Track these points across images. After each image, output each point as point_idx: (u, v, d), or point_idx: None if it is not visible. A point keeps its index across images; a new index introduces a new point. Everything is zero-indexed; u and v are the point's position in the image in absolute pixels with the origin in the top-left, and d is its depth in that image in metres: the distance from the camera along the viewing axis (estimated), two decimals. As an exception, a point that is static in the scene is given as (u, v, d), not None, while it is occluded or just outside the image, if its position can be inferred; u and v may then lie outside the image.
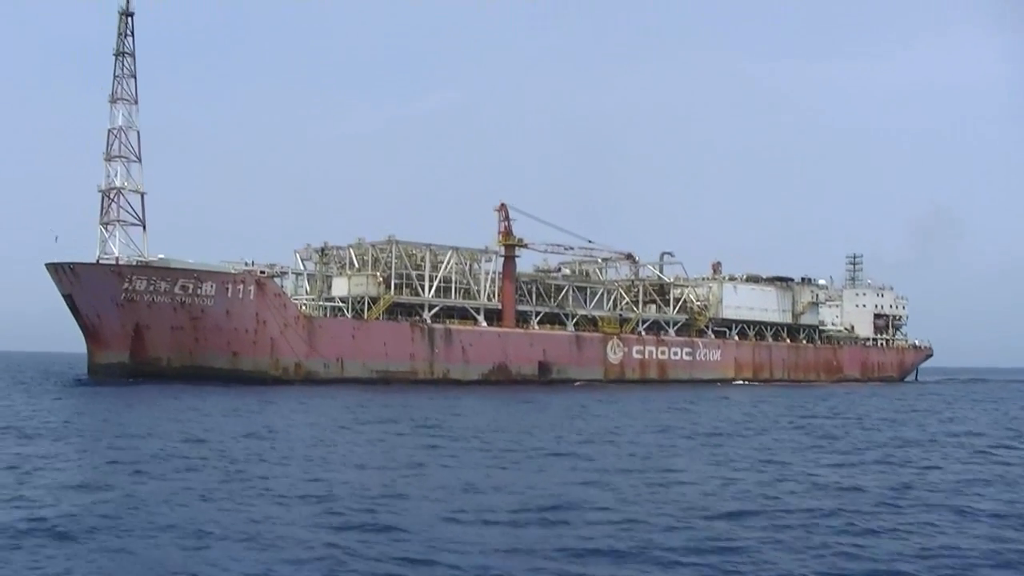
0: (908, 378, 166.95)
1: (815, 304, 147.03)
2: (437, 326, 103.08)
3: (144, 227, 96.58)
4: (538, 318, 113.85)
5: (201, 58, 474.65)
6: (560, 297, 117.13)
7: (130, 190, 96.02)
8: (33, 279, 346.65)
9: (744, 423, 57.31)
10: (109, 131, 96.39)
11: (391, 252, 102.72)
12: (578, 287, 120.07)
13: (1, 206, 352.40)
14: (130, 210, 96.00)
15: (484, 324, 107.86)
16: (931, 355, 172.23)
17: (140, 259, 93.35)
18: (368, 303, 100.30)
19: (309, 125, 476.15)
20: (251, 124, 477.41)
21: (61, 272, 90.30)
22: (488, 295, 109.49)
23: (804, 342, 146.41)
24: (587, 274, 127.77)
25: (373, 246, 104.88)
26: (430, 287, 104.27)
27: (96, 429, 44.13)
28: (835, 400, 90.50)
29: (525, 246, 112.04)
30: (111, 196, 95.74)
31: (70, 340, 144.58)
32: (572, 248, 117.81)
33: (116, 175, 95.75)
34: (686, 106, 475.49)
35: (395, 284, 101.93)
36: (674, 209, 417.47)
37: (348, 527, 22.70)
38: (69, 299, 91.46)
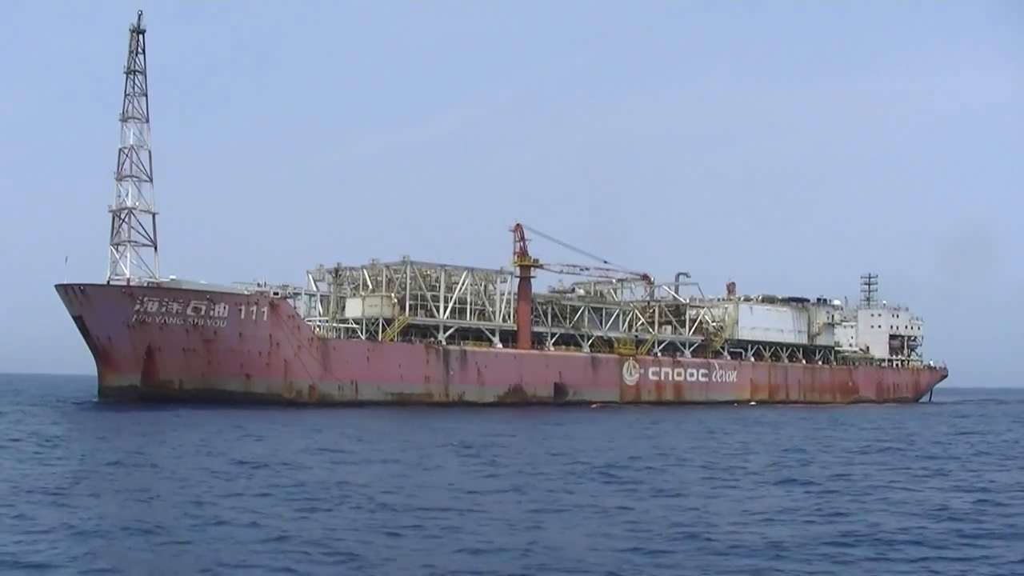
0: (923, 399, 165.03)
1: (831, 325, 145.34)
2: (452, 348, 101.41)
3: (155, 248, 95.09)
4: (553, 339, 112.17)
5: (206, 81, 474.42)
6: (576, 318, 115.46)
7: (141, 210, 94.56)
8: (43, 301, 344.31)
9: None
10: (120, 150, 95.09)
11: (405, 273, 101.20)
12: (594, 308, 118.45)
13: (10, 227, 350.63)
14: (141, 231, 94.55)
15: (499, 346, 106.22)
16: (946, 375, 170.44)
17: (151, 280, 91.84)
18: (383, 324, 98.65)
19: (318, 147, 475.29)
20: (259, 147, 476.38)
21: (71, 293, 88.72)
22: (503, 316, 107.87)
23: (820, 363, 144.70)
24: (602, 295, 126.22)
25: (387, 267, 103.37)
26: (445, 308, 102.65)
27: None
28: (879, 421, 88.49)
29: (541, 267, 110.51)
30: (122, 216, 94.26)
31: (80, 363, 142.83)
32: (588, 268, 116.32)
33: (127, 195, 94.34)
34: (699, 129, 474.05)
35: (410, 305, 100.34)
36: (687, 230, 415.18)
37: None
38: (79, 320, 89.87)
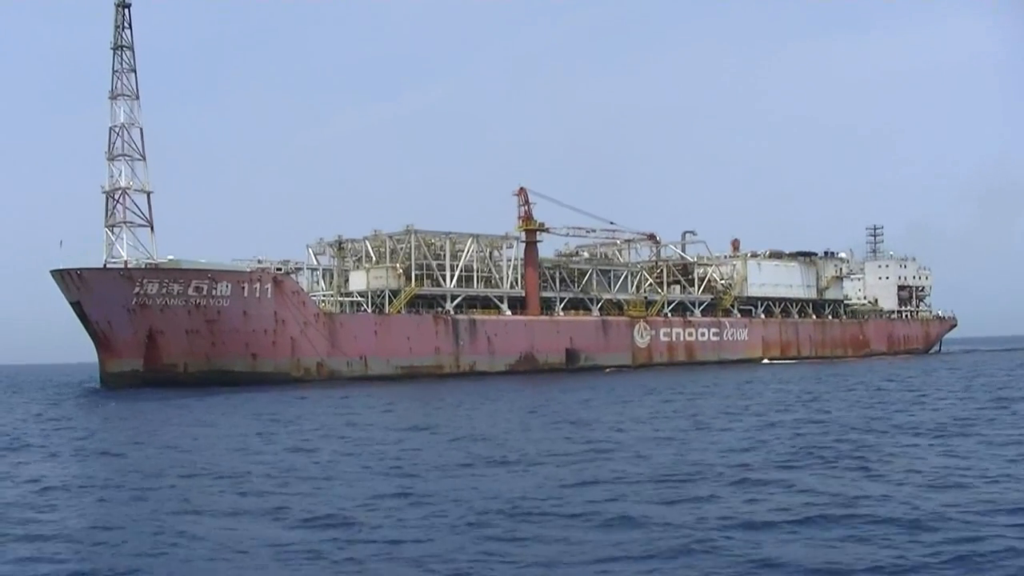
0: (932, 350, 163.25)
1: (839, 278, 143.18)
2: (461, 317, 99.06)
3: (152, 228, 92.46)
4: (562, 304, 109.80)
5: (194, 59, 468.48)
6: (584, 282, 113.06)
7: (136, 189, 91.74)
8: (38, 288, 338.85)
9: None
10: (111, 129, 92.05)
11: (410, 242, 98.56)
12: (601, 270, 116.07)
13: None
14: (136, 211, 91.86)
15: (508, 313, 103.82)
16: (955, 326, 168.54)
17: (149, 261, 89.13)
18: (389, 296, 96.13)
19: (311, 121, 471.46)
20: (250, 123, 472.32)
21: (68, 279, 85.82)
22: (511, 283, 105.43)
23: (830, 317, 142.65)
24: (607, 257, 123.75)
25: (390, 237, 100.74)
26: (451, 277, 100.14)
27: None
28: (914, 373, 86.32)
29: (547, 230, 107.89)
30: (116, 197, 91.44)
31: (79, 350, 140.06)
32: (594, 230, 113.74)
33: (120, 175, 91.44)
34: (694, 90, 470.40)
35: (415, 275, 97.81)
36: (681, 188, 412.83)
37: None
38: (77, 306, 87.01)
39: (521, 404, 57.77)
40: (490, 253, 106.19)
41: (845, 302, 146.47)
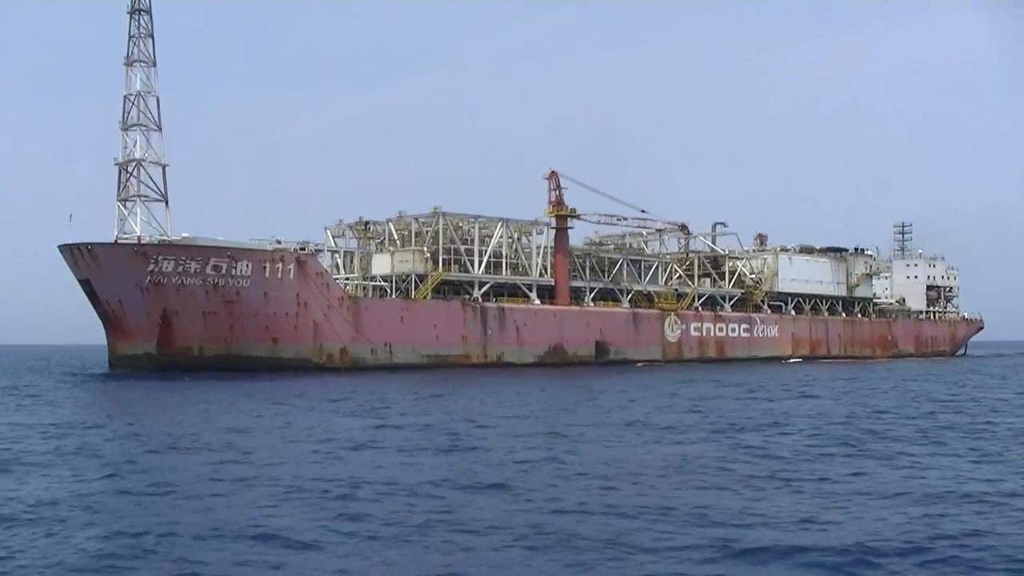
0: (958, 352, 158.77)
1: (869, 275, 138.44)
2: (490, 305, 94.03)
3: (167, 203, 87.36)
4: (592, 294, 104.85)
5: (209, 36, 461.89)
6: (615, 271, 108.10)
7: (150, 162, 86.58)
8: (45, 265, 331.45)
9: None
10: (125, 97, 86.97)
11: (437, 225, 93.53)
12: (632, 260, 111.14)
13: (5, 186, 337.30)
14: (151, 184, 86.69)
15: (537, 302, 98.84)
16: (982, 328, 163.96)
17: (163, 238, 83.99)
18: (415, 281, 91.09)
19: (333, 99, 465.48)
20: (267, 104, 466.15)
21: (77, 255, 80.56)
22: (539, 270, 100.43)
23: (859, 316, 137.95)
24: (633, 247, 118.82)
25: (416, 219, 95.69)
26: (479, 263, 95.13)
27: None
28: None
29: (578, 217, 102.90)
30: (129, 169, 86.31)
31: (87, 331, 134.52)
32: (625, 218, 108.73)
33: (135, 145, 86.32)
34: (720, 81, 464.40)
35: (443, 260, 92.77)
36: (704, 179, 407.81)
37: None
38: (87, 284, 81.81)
39: (679, 404, 48.21)
40: (518, 239, 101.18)
41: (874, 301, 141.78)
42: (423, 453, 28.61)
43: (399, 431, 34.74)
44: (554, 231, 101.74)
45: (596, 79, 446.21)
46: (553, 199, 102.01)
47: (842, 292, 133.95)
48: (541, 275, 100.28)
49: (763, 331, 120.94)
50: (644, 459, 27.41)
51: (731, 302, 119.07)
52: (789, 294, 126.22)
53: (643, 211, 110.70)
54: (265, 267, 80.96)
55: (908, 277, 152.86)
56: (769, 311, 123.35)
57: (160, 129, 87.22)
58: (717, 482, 23.34)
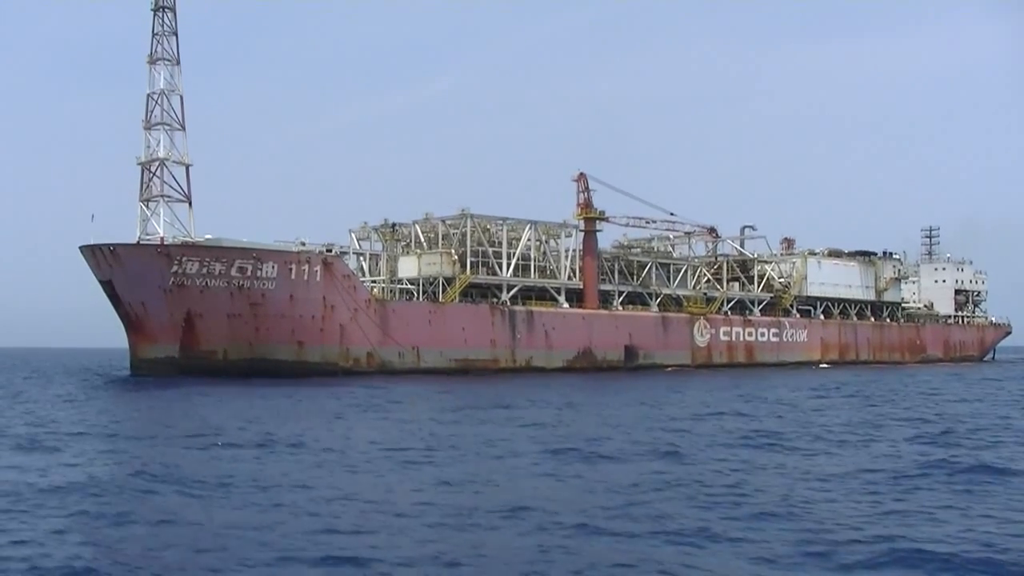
0: (986, 357, 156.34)
1: (897, 280, 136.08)
2: (519, 309, 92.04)
3: (190, 203, 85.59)
4: (620, 298, 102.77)
5: (232, 33, 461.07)
6: (644, 275, 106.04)
7: (174, 161, 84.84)
8: (66, 266, 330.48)
9: None
10: (148, 96, 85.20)
11: (465, 227, 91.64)
12: (660, 264, 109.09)
13: (25, 187, 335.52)
14: (175, 184, 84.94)
15: (566, 305, 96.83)
16: (1010, 332, 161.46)
17: (187, 239, 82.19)
18: (442, 284, 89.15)
19: (353, 99, 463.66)
20: (289, 103, 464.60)
21: (99, 255, 78.79)
22: (568, 274, 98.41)
23: (887, 320, 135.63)
24: (661, 250, 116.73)
25: (443, 221, 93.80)
26: (508, 265, 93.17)
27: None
28: None
29: (607, 220, 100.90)
30: (152, 169, 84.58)
31: (108, 334, 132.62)
32: (655, 221, 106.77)
33: (158, 145, 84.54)
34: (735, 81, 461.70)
35: (471, 262, 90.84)
36: (734, 183, 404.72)
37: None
38: (108, 286, 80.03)
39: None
40: (546, 242, 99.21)
41: (902, 305, 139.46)
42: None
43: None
44: (582, 234, 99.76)
45: (623, 79, 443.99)
46: (582, 201, 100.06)
47: (870, 296, 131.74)
48: (569, 278, 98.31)
49: (792, 335, 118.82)
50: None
51: (760, 306, 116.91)
52: (818, 298, 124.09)
53: (672, 214, 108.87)
54: (291, 269, 79.10)
55: (936, 281, 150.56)
56: (798, 315, 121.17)
57: (184, 128, 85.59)
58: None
